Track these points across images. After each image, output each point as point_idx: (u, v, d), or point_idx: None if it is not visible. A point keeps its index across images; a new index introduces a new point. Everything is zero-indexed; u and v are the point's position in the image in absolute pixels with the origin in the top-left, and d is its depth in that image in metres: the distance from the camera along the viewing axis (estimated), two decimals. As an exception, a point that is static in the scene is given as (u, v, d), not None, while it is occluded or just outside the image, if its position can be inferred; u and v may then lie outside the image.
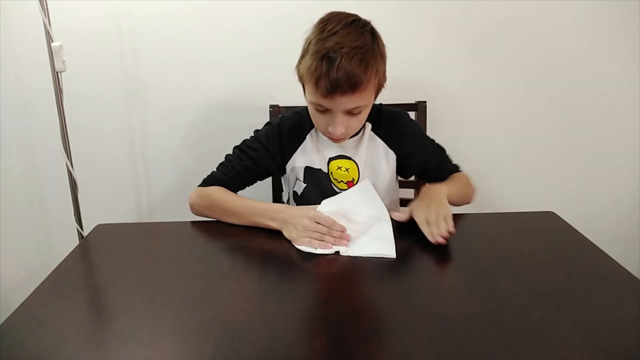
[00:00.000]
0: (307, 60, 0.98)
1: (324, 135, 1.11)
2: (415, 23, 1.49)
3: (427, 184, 1.18)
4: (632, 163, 1.65)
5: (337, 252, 0.94)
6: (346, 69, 0.93)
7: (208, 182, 1.14)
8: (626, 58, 1.54)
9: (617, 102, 1.58)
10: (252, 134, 1.20)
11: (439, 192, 1.07)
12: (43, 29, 1.25)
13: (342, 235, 0.95)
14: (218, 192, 1.10)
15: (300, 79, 1.05)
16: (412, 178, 1.39)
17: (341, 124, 1.02)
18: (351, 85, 0.95)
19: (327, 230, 0.95)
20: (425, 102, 1.48)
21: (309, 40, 1.01)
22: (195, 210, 1.13)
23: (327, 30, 0.97)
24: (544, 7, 1.48)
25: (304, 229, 0.96)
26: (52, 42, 1.25)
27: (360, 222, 1.02)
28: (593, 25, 1.51)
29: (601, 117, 1.60)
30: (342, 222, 0.98)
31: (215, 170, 1.16)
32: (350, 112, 1.02)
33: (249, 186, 1.18)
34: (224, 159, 1.18)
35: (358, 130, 1.13)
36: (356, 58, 0.94)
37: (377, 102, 1.13)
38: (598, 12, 1.50)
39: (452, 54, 1.52)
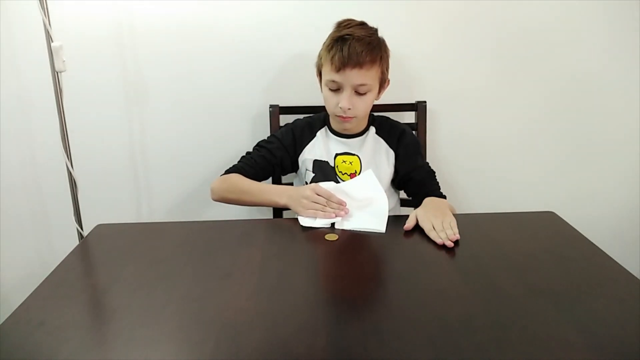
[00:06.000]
0: (326, 43, 1.21)
1: (335, 115, 1.26)
2: (415, 23, 1.49)
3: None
4: (632, 164, 1.64)
5: (333, 225, 1.07)
6: (356, 48, 1.16)
7: (230, 171, 1.29)
8: (626, 59, 1.53)
9: (617, 102, 1.58)
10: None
11: (442, 202, 1.17)
12: (43, 29, 1.25)
13: (340, 207, 1.09)
14: (237, 177, 1.26)
15: (319, 66, 1.25)
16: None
17: (349, 100, 1.20)
18: (359, 62, 1.16)
19: (326, 201, 1.09)
20: (425, 102, 1.48)
21: (329, 36, 1.23)
22: (215, 195, 1.26)
23: (343, 25, 1.22)
24: (544, 8, 1.48)
25: (306, 199, 1.10)
26: (52, 42, 1.25)
27: (357, 199, 1.13)
28: (593, 26, 1.51)
29: (601, 117, 1.60)
30: (340, 196, 1.11)
31: (237, 162, 1.32)
32: (357, 92, 1.20)
33: (265, 178, 1.33)
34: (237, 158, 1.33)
35: (363, 129, 1.31)
36: (364, 41, 1.17)
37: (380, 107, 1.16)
38: (598, 14, 1.49)
39: (453, 54, 1.52)
